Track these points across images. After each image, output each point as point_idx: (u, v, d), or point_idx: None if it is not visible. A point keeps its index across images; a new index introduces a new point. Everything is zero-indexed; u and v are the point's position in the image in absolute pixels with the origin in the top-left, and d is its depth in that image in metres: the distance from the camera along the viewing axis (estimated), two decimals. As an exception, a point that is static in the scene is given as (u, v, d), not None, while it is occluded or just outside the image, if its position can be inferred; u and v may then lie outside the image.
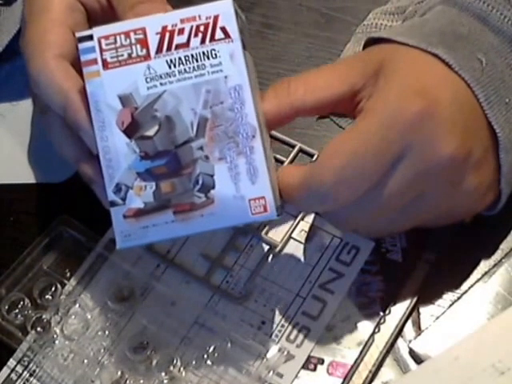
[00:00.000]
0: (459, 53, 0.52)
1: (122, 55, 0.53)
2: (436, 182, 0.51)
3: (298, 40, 0.70)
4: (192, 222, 0.52)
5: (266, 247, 0.60)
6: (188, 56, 0.52)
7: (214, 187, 0.52)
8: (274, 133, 0.64)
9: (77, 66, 0.55)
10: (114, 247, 0.61)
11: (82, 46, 0.53)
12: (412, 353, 0.55)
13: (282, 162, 0.63)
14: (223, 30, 0.52)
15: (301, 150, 0.64)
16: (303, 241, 0.60)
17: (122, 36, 0.53)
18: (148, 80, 0.52)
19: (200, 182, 0.52)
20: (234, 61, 0.52)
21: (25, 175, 0.67)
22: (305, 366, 0.56)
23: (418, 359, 0.55)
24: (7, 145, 0.69)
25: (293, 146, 0.64)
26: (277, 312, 0.58)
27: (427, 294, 0.57)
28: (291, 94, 0.53)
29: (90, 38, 0.53)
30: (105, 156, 0.52)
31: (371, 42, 0.56)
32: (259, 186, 0.51)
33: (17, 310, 0.60)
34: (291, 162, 0.63)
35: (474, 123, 0.52)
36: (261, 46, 0.70)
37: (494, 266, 0.57)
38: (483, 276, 0.56)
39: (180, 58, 0.52)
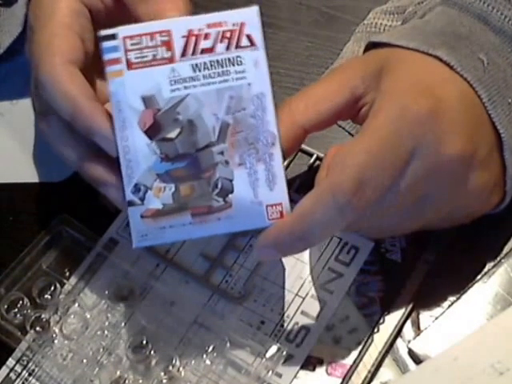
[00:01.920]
0: (460, 53, 0.52)
1: (147, 56, 0.53)
2: (443, 181, 0.51)
3: (297, 39, 0.70)
4: (209, 224, 0.52)
5: (266, 247, 0.60)
6: (213, 61, 0.52)
7: (232, 192, 0.52)
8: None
9: (85, 72, 0.55)
10: (114, 247, 0.61)
11: (104, 44, 0.53)
12: (411, 353, 0.55)
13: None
14: (249, 37, 0.53)
15: (300, 150, 0.64)
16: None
17: (148, 37, 0.53)
18: (172, 83, 0.52)
19: (219, 186, 0.52)
20: (257, 69, 0.52)
21: (24, 174, 0.67)
22: (304, 366, 0.56)
23: (417, 359, 0.55)
24: (6, 144, 0.69)
25: (292, 146, 0.64)
26: (276, 312, 0.58)
27: (426, 294, 0.57)
28: (293, 113, 0.54)
29: (113, 37, 0.53)
30: (124, 156, 0.52)
31: (371, 45, 0.56)
32: (277, 193, 0.52)
33: (16, 310, 0.60)
34: (291, 161, 0.63)
35: (479, 123, 0.52)
36: (261, 44, 0.70)
37: (494, 266, 0.56)
38: (483, 276, 0.56)
39: (205, 63, 0.52)
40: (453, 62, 0.52)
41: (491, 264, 0.57)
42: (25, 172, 0.67)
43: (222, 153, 0.52)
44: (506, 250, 0.57)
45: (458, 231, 0.57)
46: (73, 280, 0.61)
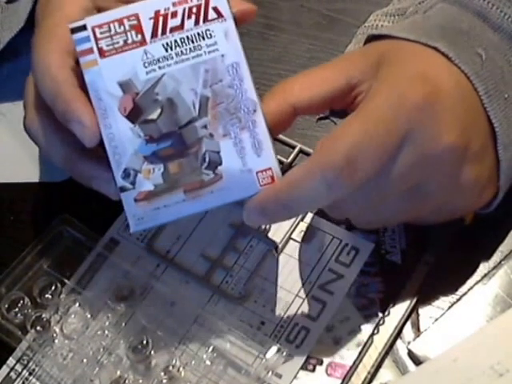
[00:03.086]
0: (459, 46, 0.53)
1: (118, 42, 0.53)
2: (435, 171, 0.51)
3: (299, 41, 0.70)
4: (203, 199, 0.53)
5: (266, 248, 0.60)
6: (183, 38, 0.53)
7: (221, 163, 0.52)
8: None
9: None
10: (115, 247, 0.62)
11: (76, 36, 0.53)
12: (411, 354, 0.55)
13: (282, 163, 0.63)
14: (215, 9, 0.53)
15: (301, 151, 0.64)
16: (303, 241, 0.60)
17: (116, 23, 0.53)
18: (146, 65, 0.53)
19: (207, 159, 0.53)
20: (228, 39, 0.53)
21: (25, 174, 0.67)
22: (304, 367, 0.56)
23: (416, 360, 0.55)
24: (8, 144, 0.69)
25: (293, 147, 0.64)
26: (276, 312, 0.58)
27: (426, 296, 0.57)
28: (287, 91, 0.54)
29: (84, 28, 0.53)
30: (110, 143, 0.53)
31: (371, 40, 0.57)
32: (265, 158, 0.52)
33: (16, 309, 0.60)
34: (291, 162, 0.64)
35: (474, 115, 0.52)
36: (262, 46, 0.70)
37: (494, 268, 0.57)
38: (482, 278, 0.56)
39: (176, 41, 0.53)
40: (451, 54, 0.52)
41: (491, 266, 0.57)
42: (26, 172, 0.67)
43: (205, 126, 0.53)
44: (505, 251, 0.57)
45: (457, 233, 0.57)
46: (73, 280, 0.61)
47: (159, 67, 0.53)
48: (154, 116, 0.53)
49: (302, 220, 0.61)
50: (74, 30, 0.53)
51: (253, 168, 0.52)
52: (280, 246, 0.60)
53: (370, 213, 0.54)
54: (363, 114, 0.50)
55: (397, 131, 0.50)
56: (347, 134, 0.50)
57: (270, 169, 0.52)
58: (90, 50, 0.53)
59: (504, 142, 0.53)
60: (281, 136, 0.64)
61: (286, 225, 0.60)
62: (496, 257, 0.57)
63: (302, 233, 0.60)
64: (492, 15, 0.55)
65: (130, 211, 0.53)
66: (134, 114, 0.53)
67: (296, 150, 0.64)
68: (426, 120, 0.50)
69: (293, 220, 0.60)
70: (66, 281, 0.61)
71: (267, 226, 0.61)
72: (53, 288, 0.60)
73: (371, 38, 0.57)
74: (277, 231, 0.60)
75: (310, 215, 0.61)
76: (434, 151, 0.50)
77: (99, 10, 0.58)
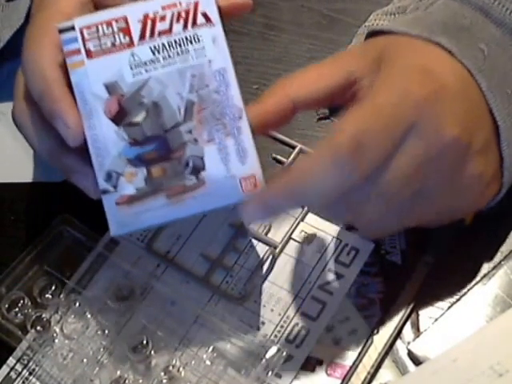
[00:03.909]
0: (461, 42, 0.53)
1: (106, 44, 0.53)
2: (439, 168, 0.51)
3: (299, 41, 0.70)
4: (185, 204, 0.52)
5: (266, 248, 0.60)
6: (171, 42, 0.53)
7: (204, 169, 0.52)
8: (274, 133, 0.64)
9: None
10: (115, 247, 0.62)
11: (64, 36, 0.54)
12: (410, 354, 0.55)
13: (282, 163, 0.63)
14: (204, 15, 0.53)
15: (301, 151, 0.64)
16: (303, 242, 0.60)
17: (104, 25, 0.53)
18: (133, 67, 0.53)
19: (190, 164, 0.53)
20: (216, 45, 0.53)
21: (26, 174, 0.67)
22: (303, 367, 0.56)
23: (416, 361, 0.55)
24: (8, 144, 0.69)
25: (293, 147, 0.64)
26: (276, 312, 0.58)
27: (426, 296, 0.57)
28: (286, 87, 0.54)
29: (72, 28, 0.54)
30: (93, 144, 0.53)
31: (371, 36, 0.57)
32: (249, 165, 0.52)
33: (17, 309, 0.60)
34: (292, 162, 0.64)
35: (478, 110, 0.52)
36: (262, 46, 0.70)
37: (494, 268, 0.57)
38: (482, 278, 0.56)
39: (163, 44, 0.53)
40: (454, 50, 0.52)
41: (491, 266, 0.57)
42: (26, 172, 0.67)
43: (190, 131, 0.53)
44: (505, 252, 0.57)
45: (457, 233, 0.57)
46: (73, 280, 0.61)
47: (146, 70, 0.53)
48: (138, 119, 0.53)
49: (302, 220, 0.61)
50: (61, 31, 0.54)
51: (236, 175, 0.52)
52: (280, 246, 0.60)
53: (377, 219, 0.53)
54: (370, 101, 0.50)
55: (403, 119, 0.49)
56: (355, 118, 0.49)
57: (253, 176, 0.52)
58: (78, 51, 0.53)
59: (508, 138, 0.52)
60: (281, 136, 0.64)
61: (286, 225, 0.60)
62: (496, 257, 0.57)
63: (303, 233, 0.60)
64: (494, 10, 0.54)
65: (111, 215, 0.53)
66: (119, 117, 0.53)
67: (296, 150, 0.64)
68: (430, 112, 0.50)
69: (293, 220, 0.60)
70: (66, 281, 0.61)
71: (267, 226, 0.61)
72: (53, 288, 0.60)
73: (371, 34, 0.57)
74: (277, 231, 0.60)
75: (310, 215, 0.61)
76: (438, 145, 0.50)
77: (95, 3, 0.58)
